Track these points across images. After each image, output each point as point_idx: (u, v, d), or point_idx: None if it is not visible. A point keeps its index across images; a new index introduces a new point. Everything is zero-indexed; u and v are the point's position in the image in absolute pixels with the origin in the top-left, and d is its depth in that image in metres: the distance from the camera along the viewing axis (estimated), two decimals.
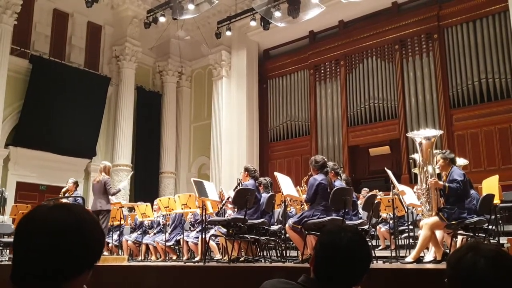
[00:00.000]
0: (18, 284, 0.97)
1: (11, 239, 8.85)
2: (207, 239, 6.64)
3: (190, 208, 7.38)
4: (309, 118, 13.53)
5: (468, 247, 1.25)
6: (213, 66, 14.59)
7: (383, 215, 7.99)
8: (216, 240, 7.34)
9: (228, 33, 12.97)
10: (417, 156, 5.53)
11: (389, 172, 5.95)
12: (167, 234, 8.08)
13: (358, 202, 6.71)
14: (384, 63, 12.47)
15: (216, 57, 14.43)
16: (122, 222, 8.95)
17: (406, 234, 7.79)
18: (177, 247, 8.36)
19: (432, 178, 5.04)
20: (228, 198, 6.53)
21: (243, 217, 5.63)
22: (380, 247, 8.33)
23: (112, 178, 13.19)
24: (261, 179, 6.60)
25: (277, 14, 11.57)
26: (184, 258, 7.67)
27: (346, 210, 5.20)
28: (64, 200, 7.39)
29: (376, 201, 6.19)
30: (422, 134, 5.33)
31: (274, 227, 6.47)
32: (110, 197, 7.21)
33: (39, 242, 0.96)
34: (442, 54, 11.61)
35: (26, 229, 0.99)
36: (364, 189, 9.29)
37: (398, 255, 5.95)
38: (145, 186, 14.32)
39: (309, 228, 5.10)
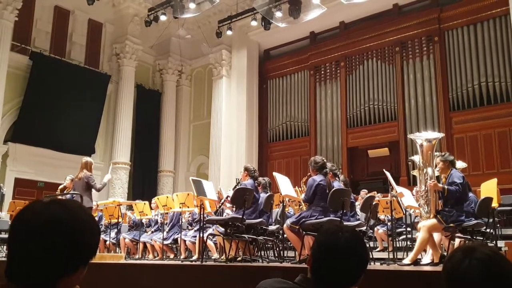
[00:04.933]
0: (12, 280, 0.96)
1: None
2: (205, 238, 6.63)
3: (188, 207, 7.37)
4: (309, 119, 13.52)
5: (463, 248, 1.24)
6: (213, 65, 14.58)
7: (381, 216, 7.99)
8: (214, 239, 7.34)
9: (229, 32, 12.96)
10: (416, 158, 5.54)
11: (388, 174, 5.94)
12: (164, 233, 8.07)
13: (356, 204, 6.70)
14: (385, 65, 12.47)
15: (216, 56, 14.42)
16: (120, 220, 8.94)
17: (404, 236, 7.79)
18: (174, 245, 8.35)
19: (432, 180, 5.04)
20: (227, 197, 6.52)
21: (241, 216, 5.62)
22: (377, 249, 8.32)
23: (111, 171, 13.20)
24: (260, 179, 6.59)
25: (278, 14, 11.57)
26: (182, 257, 7.66)
27: (344, 211, 5.20)
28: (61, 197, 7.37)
29: (374, 203, 6.18)
30: (423, 136, 5.33)
31: (272, 227, 6.47)
32: (95, 192, 7.23)
33: (33, 238, 0.95)
34: (442, 56, 11.62)
35: (20, 225, 0.98)
36: (363, 190, 9.29)
37: (395, 257, 5.94)
38: (144, 184, 14.32)
39: (307, 229, 5.10)
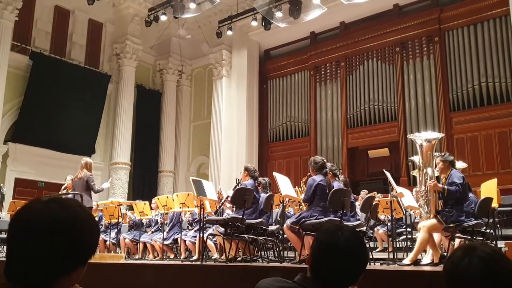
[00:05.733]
0: (11, 279, 0.96)
1: None
2: (205, 238, 6.63)
3: (188, 207, 7.37)
4: (309, 119, 13.52)
5: (463, 247, 1.24)
6: (213, 66, 14.58)
7: (381, 217, 7.98)
8: (214, 239, 7.34)
9: (229, 32, 12.96)
10: (416, 158, 5.53)
11: (388, 174, 5.94)
12: (165, 233, 8.07)
13: (356, 204, 6.70)
14: (385, 65, 12.47)
15: (216, 56, 14.42)
16: (120, 220, 8.94)
17: (404, 237, 7.79)
18: (174, 246, 8.35)
19: (432, 181, 5.03)
20: (227, 198, 6.52)
21: (241, 216, 5.62)
22: (377, 249, 8.32)
23: (111, 176, 13.25)
24: (260, 179, 6.59)
25: (279, 14, 11.56)
26: (182, 257, 7.66)
27: (344, 211, 5.19)
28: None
29: (374, 203, 6.18)
30: (423, 136, 5.33)
31: (272, 227, 6.47)
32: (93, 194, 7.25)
33: (32, 237, 0.95)
34: (442, 57, 11.62)
35: (19, 224, 0.98)
36: (363, 190, 9.29)
37: (395, 257, 5.94)
38: (144, 184, 14.32)
39: (307, 229, 5.10)
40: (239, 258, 5.86)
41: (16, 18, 11.70)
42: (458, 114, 11.25)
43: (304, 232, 5.12)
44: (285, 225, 5.39)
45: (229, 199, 6.23)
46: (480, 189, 6.36)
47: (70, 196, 7.52)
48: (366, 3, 10.90)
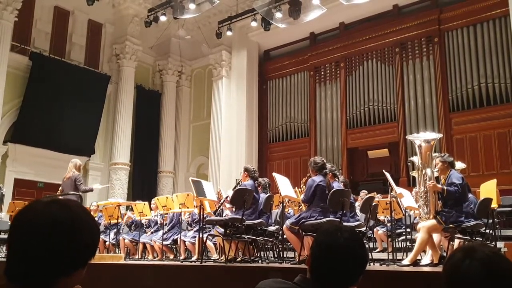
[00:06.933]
0: (12, 279, 0.96)
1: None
2: (205, 238, 6.63)
3: (188, 207, 7.37)
4: (309, 119, 13.53)
5: (463, 248, 1.24)
6: (213, 66, 14.59)
7: (381, 217, 7.99)
8: (214, 240, 7.34)
9: (229, 33, 12.96)
10: (416, 159, 5.54)
11: (387, 175, 5.95)
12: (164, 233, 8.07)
13: (356, 204, 6.70)
14: (384, 66, 12.48)
15: (216, 57, 14.43)
16: (120, 220, 8.94)
17: (403, 237, 7.79)
18: (174, 246, 8.35)
19: (431, 181, 5.04)
20: (226, 198, 6.52)
21: (240, 217, 5.62)
22: (377, 250, 8.33)
23: (110, 176, 13.26)
24: (260, 179, 6.59)
25: (278, 15, 11.56)
26: (181, 257, 7.66)
27: (344, 212, 5.19)
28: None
29: (373, 204, 6.18)
30: (421, 137, 5.34)
31: (272, 228, 6.47)
32: (81, 194, 7.22)
33: (34, 238, 0.95)
34: (442, 57, 11.62)
35: (21, 225, 0.98)
36: (363, 191, 9.29)
37: (395, 257, 5.94)
38: (143, 185, 14.32)
39: (306, 229, 5.10)
40: (239, 259, 5.86)
41: (15, 19, 11.70)
42: (457, 115, 11.25)
43: (303, 233, 5.12)
44: (284, 226, 5.39)
45: (228, 199, 6.23)
46: (480, 189, 6.37)
47: (69, 196, 7.53)
48: (366, 4, 10.89)
